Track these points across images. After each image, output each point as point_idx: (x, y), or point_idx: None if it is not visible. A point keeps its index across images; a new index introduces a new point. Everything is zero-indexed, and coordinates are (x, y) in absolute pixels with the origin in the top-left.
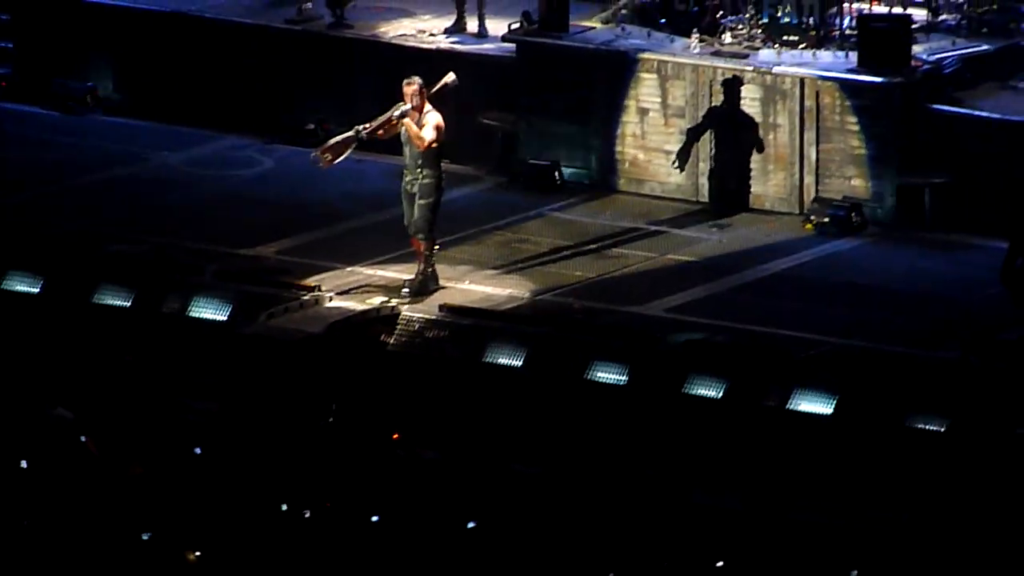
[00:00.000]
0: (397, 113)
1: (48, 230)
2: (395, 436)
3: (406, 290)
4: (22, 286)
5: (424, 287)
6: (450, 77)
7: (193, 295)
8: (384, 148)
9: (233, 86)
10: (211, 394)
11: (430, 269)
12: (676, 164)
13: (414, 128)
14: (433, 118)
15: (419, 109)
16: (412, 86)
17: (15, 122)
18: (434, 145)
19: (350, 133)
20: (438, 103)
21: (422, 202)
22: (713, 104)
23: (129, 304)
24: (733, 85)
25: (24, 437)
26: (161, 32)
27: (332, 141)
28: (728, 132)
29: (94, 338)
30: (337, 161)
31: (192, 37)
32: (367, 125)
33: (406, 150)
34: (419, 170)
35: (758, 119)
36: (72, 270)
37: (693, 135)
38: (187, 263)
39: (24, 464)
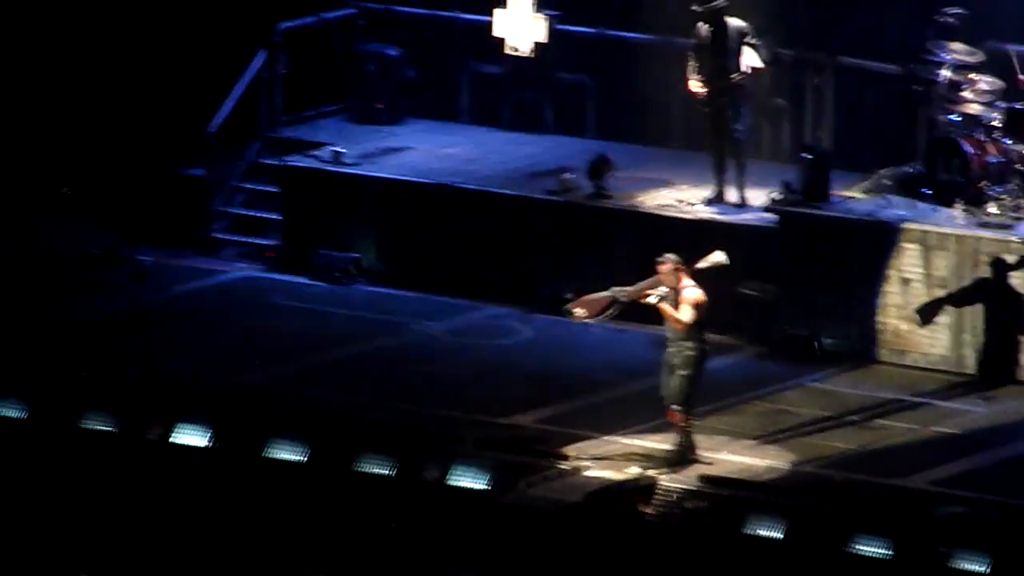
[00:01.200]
0: (653, 300)
1: (312, 401)
2: None
3: (661, 460)
4: (286, 454)
5: (682, 458)
6: (719, 256)
7: (452, 463)
8: (646, 318)
9: (494, 256)
10: (471, 563)
11: (688, 440)
12: (918, 320)
13: (669, 311)
14: (691, 295)
15: (675, 287)
16: (665, 265)
17: (283, 293)
18: (692, 323)
19: (607, 293)
20: (700, 279)
21: (681, 372)
22: (978, 275)
23: (388, 472)
24: (999, 256)
25: None
26: (424, 203)
27: (589, 297)
28: (994, 303)
29: (354, 505)
30: (589, 320)
31: (454, 208)
32: (625, 289)
33: (667, 331)
34: (681, 342)
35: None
36: (334, 439)
37: (953, 302)
38: (447, 432)
39: None
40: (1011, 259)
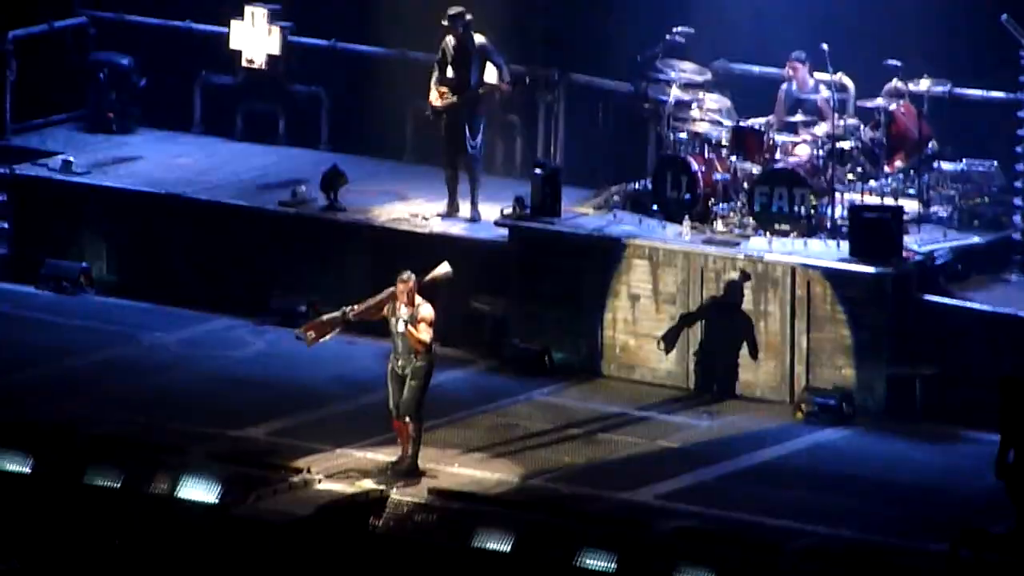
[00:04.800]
0: (401, 328)
1: (39, 412)
2: None
3: (389, 473)
4: (13, 466)
5: (412, 471)
6: (444, 269)
7: (182, 475)
8: (375, 331)
9: (226, 267)
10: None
11: (416, 453)
12: (662, 346)
13: (415, 335)
14: (427, 313)
15: (410, 303)
16: (408, 283)
17: (10, 302)
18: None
19: (336, 314)
20: (429, 293)
21: (414, 383)
22: (704, 291)
23: (119, 485)
24: (723, 273)
25: None
26: (155, 213)
27: (318, 320)
28: (718, 319)
29: (84, 520)
30: (321, 340)
31: (186, 218)
32: (354, 307)
33: (398, 340)
34: (410, 355)
35: (749, 307)
36: (61, 451)
37: (684, 321)
38: (176, 444)
39: None
40: (736, 276)
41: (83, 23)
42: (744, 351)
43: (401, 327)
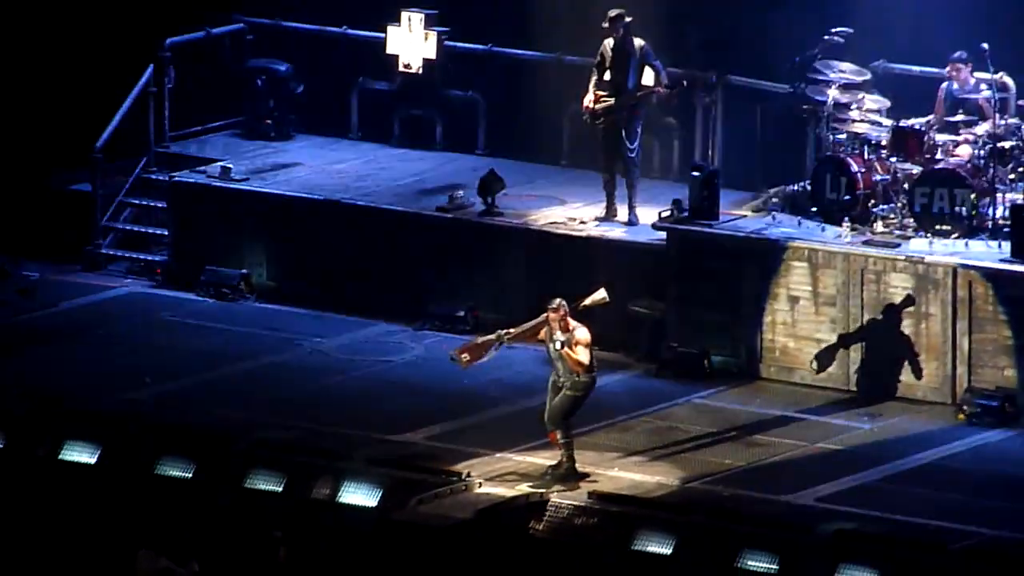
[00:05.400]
0: (557, 348)
1: (200, 417)
2: None
3: (548, 477)
4: (175, 471)
5: (571, 474)
6: (600, 295)
7: (343, 480)
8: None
9: (384, 273)
10: None
11: (572, 457)
12: (815, 366)
13: (573, 356)
14: (583, 336)
15: (564, 328)
16: (558, 312)
17: (172, 309)
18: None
19: (491, 337)
20: (585, 315)
21: (568, 393)
22: (864, 293)
23: (280, 490)
24: (884, 274)
25: None
26: (314, 219)
27: (472, 342)
28: (879, 321)
29: (244, 520)
30: (477, 363)
31: (345, 224)
32: (510, 331)
33: (557, 363)
34: (573, 374)
35: (910, 308)
36: (224, 456)
37: (843, 338)
38: (336, 449)
39: None
40: (896, 278)
41: (241, 30)
42: (904, 353)
43: (557, 349)
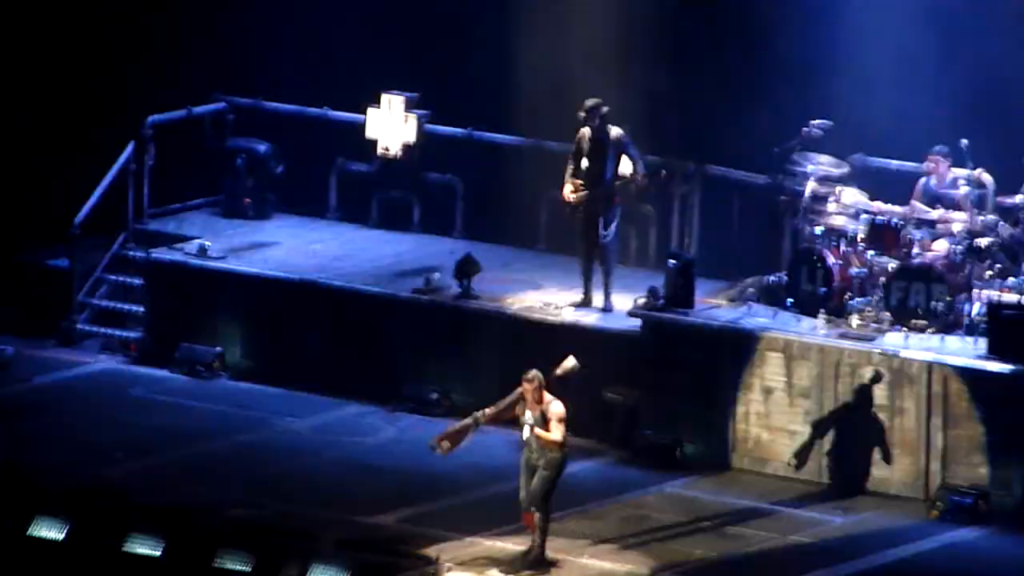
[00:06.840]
0: (527, 432)
1: (170, 496)
2: None
3: (519, 563)
4: (144, 549)
5: (541, 560)
6: (571, 363)
7: (312, 562)
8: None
9: (358, 354)
10: None
11: (543, 543)
12: (794, 463)
13: (544, 435)
14: (557, 410)
15: (539, 400)
16: (533, 383)
17: (145, 386)
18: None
19: (468, 421)
20: (559, 387)
21: (544, 474)
22: (838, 386)
23: (249, 570)
24: (859, 368)
25: None
26: (290, 299)
27: (450, 429)
28: (853, 415)
29: None
30: (456, 448)
31: (320, 304)
32: (486, 411)
33: (531, 439)
34: (545, 451)
35: (884, 403)
36: (193, 535)
37: (817, 431)
38: (306, 530)
39: None
40: (871, 371)
41: (222, 109)
42: (878, 447)
43: (527, 432)
